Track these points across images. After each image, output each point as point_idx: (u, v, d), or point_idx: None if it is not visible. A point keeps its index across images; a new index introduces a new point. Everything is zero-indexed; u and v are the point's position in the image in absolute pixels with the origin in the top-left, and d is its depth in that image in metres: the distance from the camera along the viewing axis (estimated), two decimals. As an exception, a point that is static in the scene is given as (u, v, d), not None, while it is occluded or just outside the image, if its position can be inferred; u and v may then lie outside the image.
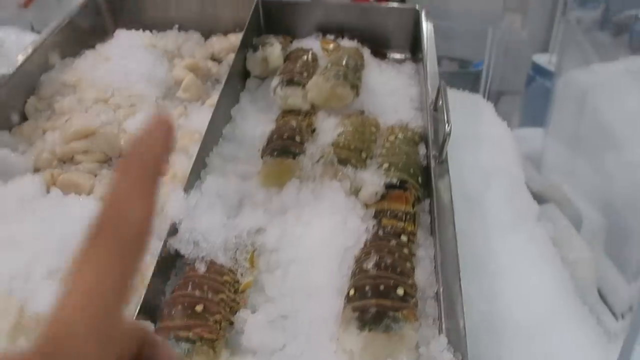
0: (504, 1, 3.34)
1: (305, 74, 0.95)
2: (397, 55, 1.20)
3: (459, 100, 1.13)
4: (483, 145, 0.93)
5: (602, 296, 0.77)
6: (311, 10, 1.20)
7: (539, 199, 1.03)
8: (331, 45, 1.08)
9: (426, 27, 1.09)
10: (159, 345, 0.26)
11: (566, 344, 0.59)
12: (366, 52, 1.11)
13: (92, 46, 1.15)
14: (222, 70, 1.14)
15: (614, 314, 0.71)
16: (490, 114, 1.05)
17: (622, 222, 0.99)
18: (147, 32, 1.18)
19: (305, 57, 1.03)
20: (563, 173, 1.26)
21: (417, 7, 1.16)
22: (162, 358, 0.26)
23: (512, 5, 3.52)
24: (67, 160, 0.89)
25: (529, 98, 1.96)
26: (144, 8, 1.23)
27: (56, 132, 0.91)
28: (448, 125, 0.72)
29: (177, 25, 1.20)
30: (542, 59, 2.91)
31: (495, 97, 2.80)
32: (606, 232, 0.97)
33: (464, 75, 3.92)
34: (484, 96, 1.26)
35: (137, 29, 1.19)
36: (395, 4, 1.19)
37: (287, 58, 1.05)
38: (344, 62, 0.94)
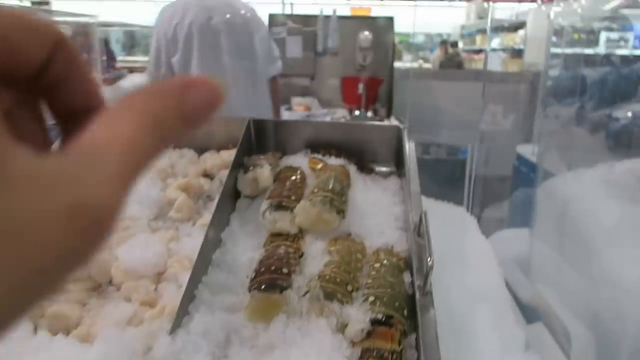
0: (483, 93, 3.54)
1: (293, 197, 0.99)
2: (383, 168, 1.25)
3: (443, 215, 1.17)
4: (467, 268, 0.95)
5: None
6: (300, 129, 1.27)
7: (527, 312, 1.04)
8: (319, 165, 1.13)
9: (408, 146, 1.15)
10: (77, 59, 0.24)
11: None
12: (352, 169, 1.16)
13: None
14: (214, 187, 1.18)
15: None
16: (474, 231, 1.08)
17: (610, 337, 0.99)
18: (143, 152, 1.23)
19: (293, 177, 1.08)
20: (550, 278, 1.28)
21: (400, 125, 1.23)
22: (80, 76, 0.23)
23: (491, 98, 3.71)
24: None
25: (515, 201, 2.01)
26: (141, 127, 1.30)
27: (48, 259, 0.92)
28: (430, 259, 0.75)
29: (171, 144, 1.26)
30: (525, 150, 3.03)
31: (480, 194, 2.88)
32: (595, 349, 0.96)
33: (452, 162, 4.04)
34: (468, 202, 1.30)
35: (134, 147, 1.25)
36: (379, 123, 1.26)
37: (276, 178, 1.09)
38: (330, 186, 0.98)
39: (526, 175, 2.84)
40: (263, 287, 0.78)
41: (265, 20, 3.97)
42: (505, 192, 3.02)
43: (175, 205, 1.07)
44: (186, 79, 0.23)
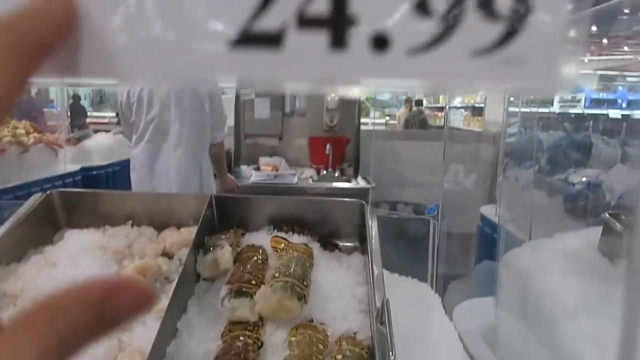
0: (443, 153, 3.64)
1: (254, 282, 0.96)
2: (347, 244, 1.24)
3: (407, 293, 1.16)
4: (431, 351, 0.93)
5: None
6: (263, 205, 1.26)
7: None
8: (281, 245, 1.11)
9: (370, 223, 1.15)
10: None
11: None
12: (316, 247, 1.15)
13: (41, 245, 1.15)
14: (173, 268, 1.14)
15: None
16: (438, 311, 1.07)
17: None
18: (99, 231, 1.19)
19: (255, 257, 1.05)
20: (515, 352, 1.27)
21: (362, 201, 1.23)
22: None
23: (453, 157, 3.82)
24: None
25: (478, 274, 2.03)
26: (99, 204, 1.26)
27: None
28: (392, 355, 0.72)
29: (130, 222, 1.23)
30: (488, 211, 3.09)
31: (445, 254, 2.90)
32: None
33: (419, 220, 4.07)
34: (432, 284, 1.29)
35: (91, 223, 1.21)
36: (341, 199, 1.27)
37: (237, 259, 1.07)
38: (291, 270, 0.96)
39: (490, 236, 2.88)
40: (219, 388, 0.73)
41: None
42: (471, 251, 3.05)
43: (130, 289, 1.02)
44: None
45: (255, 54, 0.22)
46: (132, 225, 1.23)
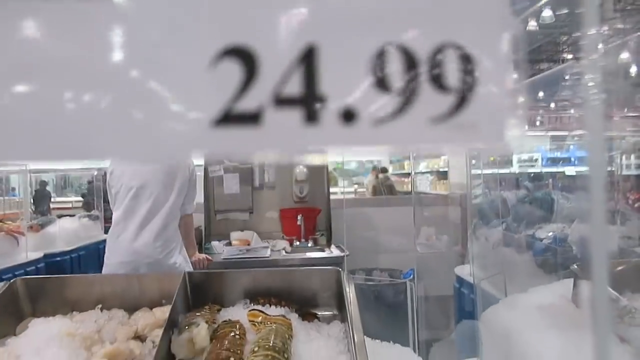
0: (414, 218, 3.70)
1: (232, 359, 0.93)
2: (326, 313, 1.23)
3: (390, 359, 1.14)
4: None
5: None
6: (237, 278, 1.25)
7: None
8: (259, 318, 1.09)
9: (348, 289, 1.15)
10: None
11: None
12: (294, 317, 1.13)
13: (4, 336, 1.09)
14: (145, 350, 1.09)
15: None
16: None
17: None
18: (66, 318, 1.14)
19: (232, 333, 1.03)
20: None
21: (338, 269, 1.24)
22: None
23: (424, 220, 3.89)
24: None
25: (459, 334, 2.02)
26: (66, 289, 1.22)
27: None
28: None
29: (99, 306, 1.18)
30: (463, 271, 3.12)
31: (425, 317, 2.88)
32: None
33: (395, 286, 4.06)
34: (414, 348, 1.28)
35: (58, 311, 1.16)
36: (317, 267, 1.27)
37: (213, 336, 1.03)
38: (271, 343, 0.94)
39: (467, 296, 2.89)
40: None
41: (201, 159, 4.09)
42: (450, 312, 3.03)
43: (101, 379, 0.97)
44: None
45: (236, 132, 0.24)
46: (101, 310, 1.18)
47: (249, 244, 4.02)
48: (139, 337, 1.14)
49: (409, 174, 11.13)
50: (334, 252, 3.86)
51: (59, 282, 1.25)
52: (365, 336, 1.10)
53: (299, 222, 4.06)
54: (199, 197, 3.97)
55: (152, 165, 2.67)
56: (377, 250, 4.47)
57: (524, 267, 2.15)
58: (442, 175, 8.70)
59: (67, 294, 1.21)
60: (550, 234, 2.20)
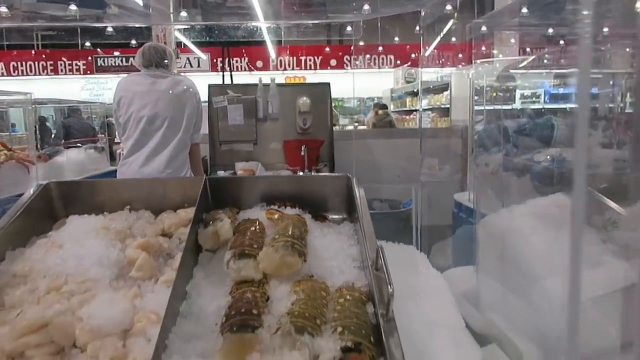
0: (420, 148, 3.77)
1: (255, 245, 1.03)
2: (336, 216, 1.32)
3: (395, 254, 1.24)
4: (424, 298, 1.02)
5: None
6: (254, 184, 1.34)
7: (481, 339, 1.11)
8: (276, 215, 1.19)
9: (358, 192, 1.24)
10: None
11: None
12: (307, 217, 1.22)
13: (44, 234, 1.19)
14: (173, 245, 1.20)
15: None
16: (425, 266, 1.16)
17: (556, 351, 1.07)
18: (100, 215, 1.24)
19: (253, 227, 1.13)
20: (497, 308, 1.37)
21: (348, 175, 1.32)
22: None
23: (427, 152, 3.96)
24: (16, 356, 0.87)
25: (458, 238, 2.14)
26: (95, 192, 1.31)
27: (6, 327, 0.90)
28: (390, 287, 0.81)
29: (128, 207, 1.28)
30: (462, 197, 3.23)
31: (426, 238, 3.02)
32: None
33: (395, 214, 4.20)
34: (417, 245, 1.38)
35: (89, 212, 1.25)
36: (329, 174, 1.35)
37: (236, 230, 1.13)
38: (290, 232, 1.03)
39: (465, 220, 3.01)
40: (235, 328, 0.80)
41: (204, 90, 4.11)
42: (448, 238, 3.17)
43: (135, 264, 1.08)
44: None
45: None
46: (129, 210, 1.28)
47: (253, 174, 4.11)
48: (166, 235, 1.24)
49: (410, 111, 11.09)
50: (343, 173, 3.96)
51: (89, 185, 1.33)
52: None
53: (302, 153, 4.13)
54: (204, 128, 4.02)
55: (159, 95, 2.73)
56: (379, 181, 4.58)
57: (521, 189, 2.24)
58: (444, 112, 8.68)
59: (97, 197, 1.30)
60: (548, 157, 2.28)
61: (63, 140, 5.56)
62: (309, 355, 0.76)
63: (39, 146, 5.29)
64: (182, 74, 3.51)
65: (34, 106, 4.73)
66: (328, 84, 4.45)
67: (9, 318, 0.92)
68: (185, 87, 2.88)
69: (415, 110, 10.64)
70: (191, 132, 2.93)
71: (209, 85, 4.36)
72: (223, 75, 5.04)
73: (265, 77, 4.49)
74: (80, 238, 1.12)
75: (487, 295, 1.39)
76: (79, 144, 5.20)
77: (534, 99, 8.84)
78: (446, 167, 3.99)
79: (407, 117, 11.20)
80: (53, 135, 7.51)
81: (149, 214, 1.29)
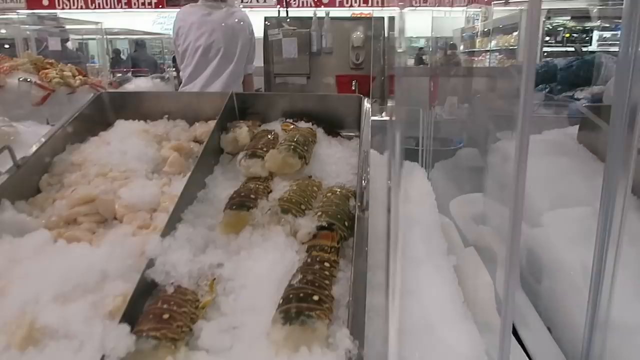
0: (470, 87, 3.72)
1: (265, 149, 1.19)
2: (351, 134, 1.44)
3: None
4: (409, 200, 1.14)
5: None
6: (276, 100, 1.48)
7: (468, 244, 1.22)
8: (290, 127, 1.33)
9: (364, 108, 1.35)
10: None
11: (445, 339, 0.76)
12: (320, 132, 1.36)
13: (96, 134, 1.41)
14: (202, 149, 1.38)
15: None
16: (422, 177, 1.27)
17: (534, 260, 1.18)
18: (142, 121, 1.43)
19: (268, 136, 1.28)
20: (496, 225, 1.46)
21: (360, 95, 1.43)
22: None
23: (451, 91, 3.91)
24: (71, 222, 1.10)
25: (458, 158, 2.19)
26: (141, 103, 1.51)
27: (63, 200, 1.13)
28: (364, 181, 0.94)
29: (167, 116, 1.47)
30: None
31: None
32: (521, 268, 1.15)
33: (444, 152, 4.21)
34: (421, 164, 1.49)
35: (134, 119, 1.46)
36: (345, 94, 1.46)
37: (253, 137, 1.29)
38: (295, 139, 1.18)
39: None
40: (234, 206, 0.98)
41: (261, 23, 4.21)
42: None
43: (168, 161, 1.28)
44: None
45: None
46: (168, 119, 1.47)
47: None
48: (197, 141, 1.42)
49: (478, 52, 10.62)
50: (384, 117, 4.02)
51: (136, 96, 1.53)
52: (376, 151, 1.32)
53: (353, 88, 4.20)
54: (259, 61, 4.16)
55: (214, 26, 2.89)
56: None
57: (555, 124, 2.24)
58: (511, 53, 8.27)
59: (142, 107, 1.49)
60: (589, 95, 2.24)
61: (132, 69, 5.93)
62: (290, 230, 0.92)
63: (111, 75, 5.70)
64: (241, 7, 3.63)
65: (105, 36, 5.06)
66: (383, 19, 4.40)
67: (66, 194, 1.15)
68: (238, 18, 3.01)
69: (485, 51, 10.17)
70: (244, 63, 3.10)
71: (265, 18, 4.45)
72: (279, 10, 5.09)
73: (321, 11, 4.50)
74: (124, 138, 1.33)
75: (492, 218, 1.49)
76: (145, 74, 5.53)
77: (614, 41, 8.19)
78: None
79: (475, 58, 10.75)
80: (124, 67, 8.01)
81: (184, 123, 1.47)
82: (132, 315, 0.77)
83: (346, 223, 0.94)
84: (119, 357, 0.68)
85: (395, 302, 0.56)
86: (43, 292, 0.80)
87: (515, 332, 1.00)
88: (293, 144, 1.15)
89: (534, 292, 1.13)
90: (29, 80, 3.45)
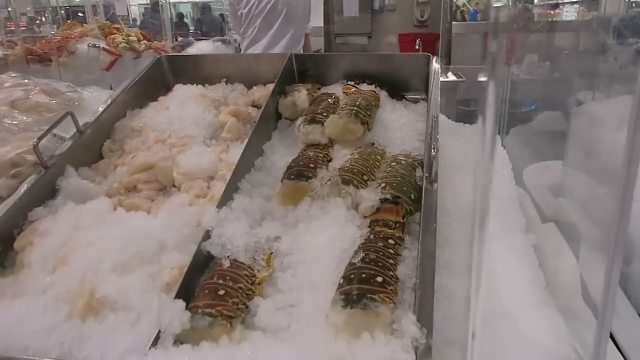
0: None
1: (325, 114, 1.12)
2: (415, 96, 1.34)
3: (468, 134, 1.25)
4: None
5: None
6: (337, 61, 1.39)
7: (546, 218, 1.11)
8: (351, 90, 1.25)
9: (433, 68, 1.24)
10: None
11: (525, 328, 0.68)
12: (383, 95, 1.27)
13: (156, 98, 1.39)
14: (260, 114, 1.33)
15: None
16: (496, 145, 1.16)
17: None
18: (200, 86, 1.40)
19: (328, 100, 1.21)
20: (576, 196, 1.33)
21: (429, 54, 1.31)
22: None
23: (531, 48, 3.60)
24: (131, 189, 1.09)
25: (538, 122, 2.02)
26: (199, 66, 1.47)
27: (124, 167, 1.12)
28: (434, 150, 0.86)
29: (224, 79, 1.43)
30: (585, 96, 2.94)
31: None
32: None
33: (513, 114, 3.95)
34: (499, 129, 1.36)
35: (193, 83, 1.43)
36: (410, 53, 1.35)
37: (313, 102, 1.23)
38: (357, 103, 1.10)
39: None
40: (292, 176, 0.92)
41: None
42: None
43: (226, 127, 1.24)
44: None
45: None
46: (226, 83, 1.43)
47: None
48: (255, 106, 1.38)
49: (555, 5, 9.82)
50: (450, 77, 3.80)
51: (194, 59, 1.50)
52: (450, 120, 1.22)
53: (417, 47, 3.99)
54: (319, 21, 4.03)
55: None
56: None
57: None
58: (592, 5, 7.56)
59: (201, 70, 1.46)
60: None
61: (195, 33, 5.97)
62: (351, 202, 0.86)
63: (175, 39, 5.77)
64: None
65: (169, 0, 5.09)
66: (451, -29, 4.11)
67: (127, 160, 1.15)
68: None
69: (563, 4, 9.39)
70: (305, 23, 3.02)
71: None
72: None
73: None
74: (182, 102, 1.30)
75: (572, 187, 1.35)
76: (207, 38, 5.55)
77: None
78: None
79: (552, 11, 9.95)
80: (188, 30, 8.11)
81: (242, 86, 1.42)
82: (187, 288, 0.75)
83: (412, 196, 0.87)
84: (174, 333, 0.66)
85: (480, 291, 0.49)
86: (102, 262, 0.79)
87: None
88: (355, 108, 1.07)
89: (623, 274, 1.01)
90: (97, 45, 3.53)
